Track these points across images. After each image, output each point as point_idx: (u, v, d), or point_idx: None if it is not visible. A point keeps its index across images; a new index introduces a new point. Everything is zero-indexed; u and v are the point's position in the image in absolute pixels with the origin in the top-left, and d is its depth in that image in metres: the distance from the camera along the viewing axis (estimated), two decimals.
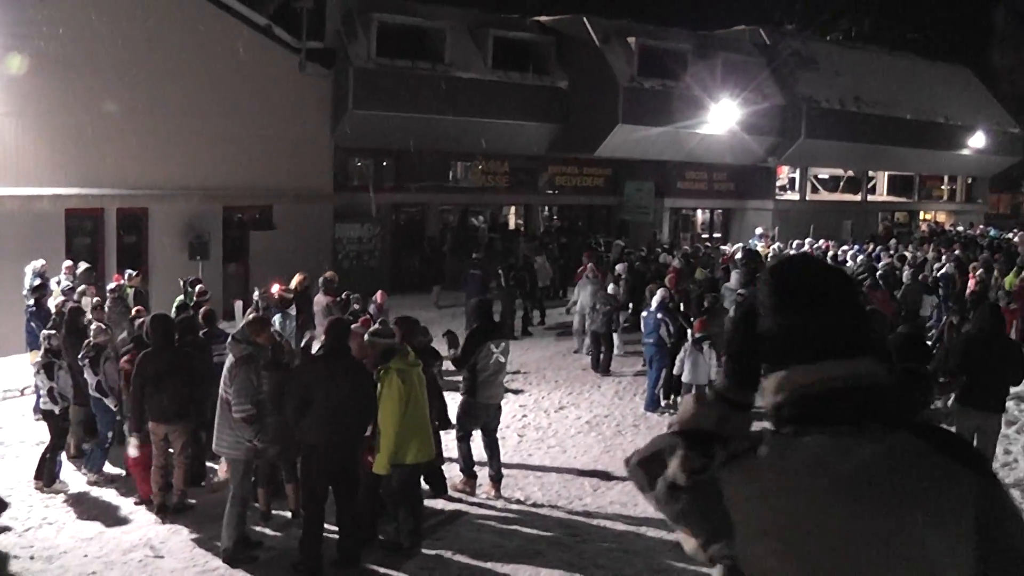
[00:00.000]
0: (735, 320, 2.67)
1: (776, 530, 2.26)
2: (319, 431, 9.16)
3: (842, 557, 2.19)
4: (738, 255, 27.98)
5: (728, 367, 2.62)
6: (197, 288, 17.41)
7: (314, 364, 9.58)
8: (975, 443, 10.87)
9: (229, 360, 9.96)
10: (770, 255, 28.90)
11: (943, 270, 25.04)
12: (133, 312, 15.00)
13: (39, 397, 12.64)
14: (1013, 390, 11.93)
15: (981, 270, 24.33)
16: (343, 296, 18.72)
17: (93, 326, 13.03)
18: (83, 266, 19.03)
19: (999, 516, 2.19)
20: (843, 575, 2.20)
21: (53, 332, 12.88)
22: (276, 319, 16.68)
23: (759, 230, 36.43)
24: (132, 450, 11.10)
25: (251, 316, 11.74)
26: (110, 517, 11.11)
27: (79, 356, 12.36)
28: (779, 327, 2.45)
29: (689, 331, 16.74)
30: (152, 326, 11.21)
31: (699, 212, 41.46)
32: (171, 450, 11.23)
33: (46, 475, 11.99)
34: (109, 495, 11.80)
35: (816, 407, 2.34)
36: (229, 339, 10.34)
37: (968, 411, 11.25)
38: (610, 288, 20.68)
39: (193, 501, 11.31)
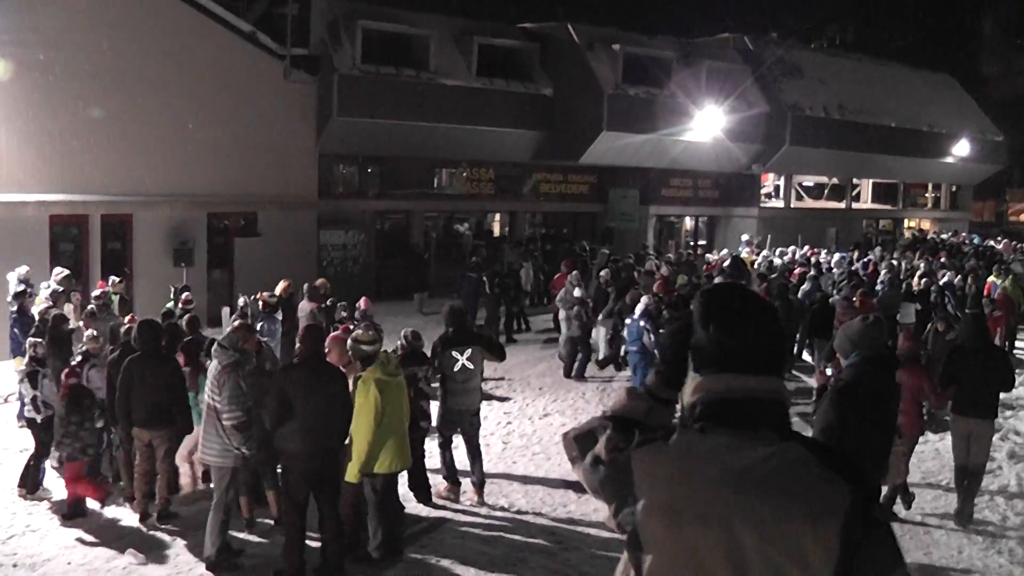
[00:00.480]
0: (672, 331, 3.13)
1: (670, 507, 2.74)
2: (296, 439, 9.14)
3: (722, 536, 2.67)
4: (727, 263, 28.00)
5: (660, 368, 3.13)
6: (183, 296, 17.43)
7: (290, 372, 9.53)
8: (969, 449, 11.39)
9: (214, 367, 9.93)
10: (758, 263, 28.95)
11: (945, 279, 25.09)
12: (125, 321, 14.97)
13: (23, 405, 12.61)
14: (1002, 396, 12.00)
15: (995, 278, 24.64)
16: (328, 303, 18.75)
17: (87, 332, 13.06)
18: (63, 273, 19.00)
19: (867, 524, 2.65)
20: (720, 552, 2.68)
21: (39, 340, 12.86)
22: (261, 325, 16.71)
23: (745, 237, 36.48)
24: (60, 467, 11.07)
25: (237, 323, 11.74)
26: (94, 524, 11.08)
27: (75, 362, 12.40)
28: (705, 340, 2.90)
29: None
30: (139, 332, 11.18)
31: (686, 220, 41.45)
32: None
33: (29, 483, 11.97)
34: (93, 503, 11.75)
35: (721, 411, 2.82)
36: (215, 345, 10.31)
37: (959, 418, 11.58)
38: (576, 291, 20.67)
39: (176, 509, 11.27)
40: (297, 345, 10.05)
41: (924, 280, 24.01)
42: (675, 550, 2.75)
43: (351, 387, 9.65)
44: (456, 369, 11.85)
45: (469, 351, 12.04)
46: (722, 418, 2.82)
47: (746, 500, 2.67)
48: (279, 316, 17.44)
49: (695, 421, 2.86)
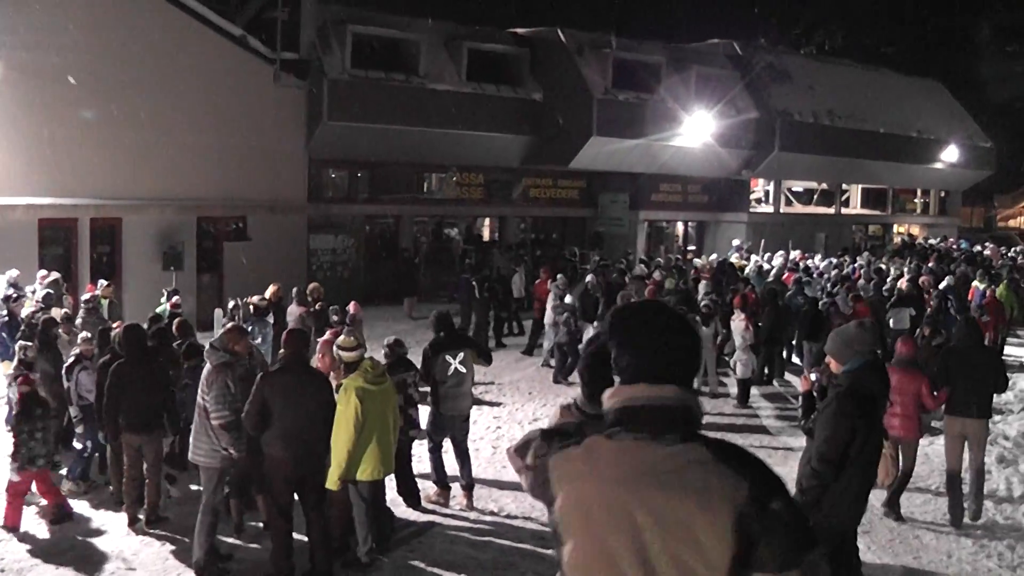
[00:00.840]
0: (589, 353, 3.75)
1: (580, 502, 3.14)
2: (278, 444, 9.11)
3: (625, 527, 3.03)
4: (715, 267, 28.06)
5: (583, 388, 3.81)
6: (172, 299, 17.42)
7: (271, 377, 9.44)
8: (966, 449, 11.59)
9: (207, 368, 9.93)
10: (748, 269, 28.99)
11: (945, 283, 25.19)
12: (114, 326, 14.94)
13: (11, 409, 12.57)
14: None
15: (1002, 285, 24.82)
16: (318, 307, 18.76)
17: (81, 334, 13.04)
18: (52, 276, 18.97)
19: (761, 515, 2.93)
20: (626, 541, 3.03)
21: (29, 344, 12.83)
22: (252, 329, 16.72)
23: (736, 242, 36.56)
24: (13, 475, 11.00)
25: (229, 325, 11.72)
26: (82, 529, 11.04)
27: (66, 365, 12.38)
28: (618, 354, 3.29)
29: None
30: (125, 336, 11.17)
31: (678, 224, 41.46)
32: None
33: None
34: (81, 507, 11.71)
35: (628, 417, 3.17)
36: (207, 347, 10.31)
37: (954, 419, 11.66)
38: (567, 298, 20.70)
39: (166, 513, 11.24)
40: (281, 350, 9.99)
41: (919, 283, 24.12)
42: (587, 541, 3.13)
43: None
44: (449, 373, 11.84)
45: (461, 354, 12.04)
46: (629, 423, 3.16)
47: (645, 494, 3.03)
48: (270, 320, 17.46)
49: (608, 427, 3.21)
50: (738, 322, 18.50)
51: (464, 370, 12.00)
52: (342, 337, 10.08)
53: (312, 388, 9.29)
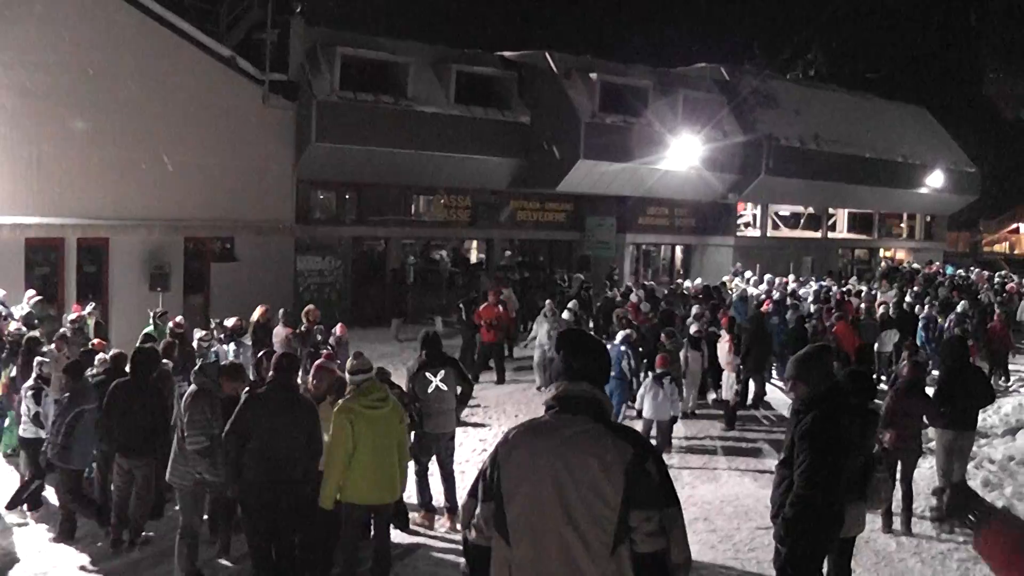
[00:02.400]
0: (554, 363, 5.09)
1: (516, 469, 4.52)
2: (256, 468, 9.03)
3: (549, 479, 4.42)
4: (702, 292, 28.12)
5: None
6: (176, 319, 17.39)
7: (254, 400, 9.32)
8: (954, 459, 12.38)
9: (189, 390, 9.93)
10: (733, 291, 29.12)
11: (926, 308, 25.45)
12: (93, 344, 14.92)
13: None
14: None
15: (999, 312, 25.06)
16: (303, 328, 18.78)
17: (48, 356, 13.02)
18: (36, 297, 18.97)
19: (640, 471, 4.40)
20: (552, 489, 4.41)
21: (45, 360, 12.84)
22: (230, 349, 16.73)
23: (738, 265, 36.96)
24: None
25: (228, 362, 11.66)
26: (65, 551, 10.99)
27: (25, 386, 12.36)
28: (557, 362, 4.83)
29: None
30: (135, 358, 11.12)
31: (662, 248, 41.52)
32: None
33: (32, 500, 12.00)
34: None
35: (560, 402, 4.65)
36: (194, 369, 10.32)
37: (946, 432, 12.33)
38: (565, 314, 20.75)
39: (150, 534, 11.19)
40: (270, 372, 9.89)
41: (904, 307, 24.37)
42: (526, 495, 4.50)
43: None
44: (430, 390, 11.86)
45: (442, 372, 12.07)
46: (560, 407, 4.65)
47: (563, 456, 4.44)
48: (246, 341, 17.44)
49: (547, 410, 4.71)
50: (723, 344, 18.56)
51: (445, 388, 12.02)
52: (351, 361, 9.96)
53: (294, 413, 9.17)
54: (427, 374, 11.93)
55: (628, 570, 4.39)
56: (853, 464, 7.59)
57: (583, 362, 4.70)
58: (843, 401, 7.54)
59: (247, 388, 9.75)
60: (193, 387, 9.96)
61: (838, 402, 7.35)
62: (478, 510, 4.67)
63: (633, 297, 25.12)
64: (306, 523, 9.39)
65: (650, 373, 16.83)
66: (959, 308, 25.11)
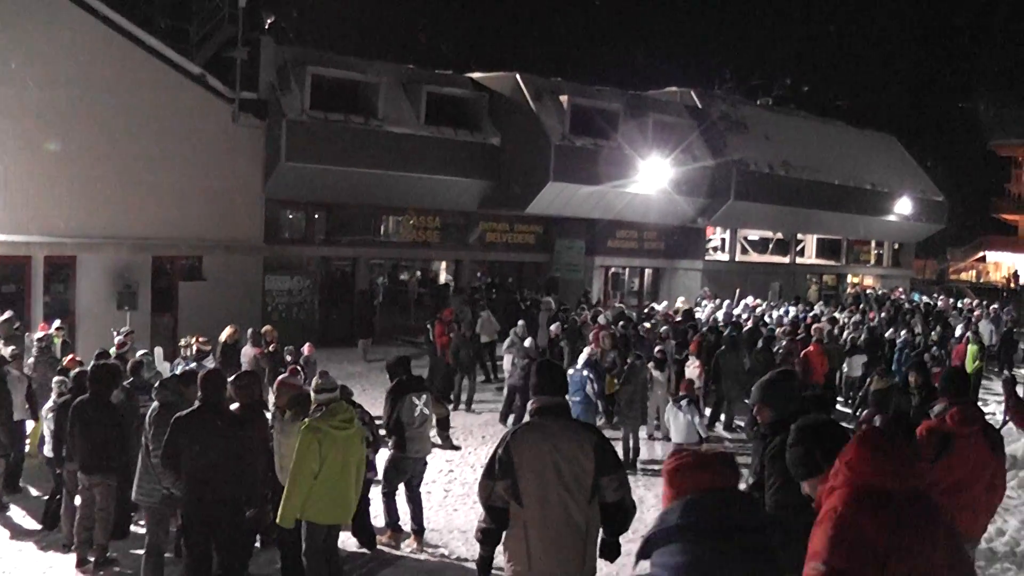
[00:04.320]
0: (537, 365, 7.19)
1: (525, 460, 6.42)
2: (189, 487, 8.99)
3: (548, 461, 6.39)
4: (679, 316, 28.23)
5: (535, 388, 6.87)
6: (117, 340, 17.25)
7: (182, 419, 9.14)
8: None
9: (153, 406, 9.88)
10: (704, 315, 29.28)
11: (892, 332, 25.66)
12: (66, 362, 14.81)
13: None
14: None
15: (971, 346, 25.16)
16: (272, 348, 18.76)
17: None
18: (4, 315, 18.83)
19: (604, 449, 6.55)
20: (550, 468, 6.39)
21: (64, 379, 12.80)
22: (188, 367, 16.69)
23: (705, 290, 37.05)
24: None
25: (183, 369, 11.61)
26: (29, 571, 10.90)
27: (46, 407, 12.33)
28: (534, 381, 6.83)
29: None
30: (94, 373, 11.03)
31: (630, 271, 41.60)
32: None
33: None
34: (28, 548, 11.59)
35: (542, 411, 6.68)
36: (156, 385, 10.26)
37: None
38: (527, 342, 20.74)
39: (114, 555, 11.08)
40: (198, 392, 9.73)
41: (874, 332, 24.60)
42: (533, 473, 6.43)
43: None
44: (416, 414, 11.88)
45: (425, 396, 12.14)
46: (543, 414, 6.70)
47: (556, 443, 6.46)
48: (208, 363, 17.35)
49: (532, 416, 6.81)
50: (692, 368, 18.60)
51: (428, 412, 12.13)
52: (316, 380, 9.91)
53: (222, 431, 9.06)
54: (413, 399, 11.94)
55: (598, 513, 6.56)
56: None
57: (554, 383, 6.90)
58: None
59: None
60: (156, 403, 9.90)
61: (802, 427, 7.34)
62: (496, 486, 6.61)
63: (601, 319, 25.14)
64: (235, 542, 9.29)
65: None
66: (932, 335, 25.33)
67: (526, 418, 7.14)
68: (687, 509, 3.12)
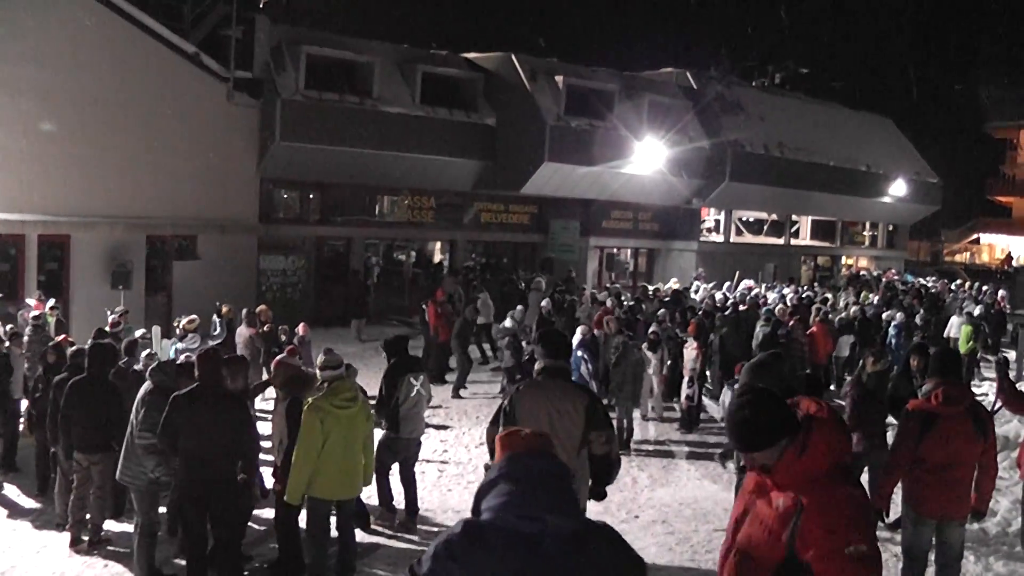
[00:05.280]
0: (540, 334, 8.65)
1: (524, 411, 7.23)
2: (184, 467, 9.05)
3: (543, 418, 7.08)
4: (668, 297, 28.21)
5: (541, 351, 7.79)
6: (111, 319, 17.25)
7: (181, 400, 9.18)
8: None
9: (147, 386, 9.88)
10: (699, 297, 29.24)
11: (888, 314, 25.65)
12: (59, 340, 14.79)
13: None
14: None
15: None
16: (267, 328, 18.77)
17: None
18: None
19: (595, 409, 7.35)
20: (545, 418, 7.09)
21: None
22: (173, 348, 16.75)
23: (700, 271, 37.06)
24: None
25: (183, 351, 11.56)
26: (23, 550, 10.91)
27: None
28: (540, 348, 7.82)
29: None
30: (92, 352, 11.00)
31: (626, 251, 41.57)
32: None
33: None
34: (23, 527, 11.60)
35: (545, 372, 7.54)
36: (152, 367, 10.26)
37: None
38: (507, 321, 20.82)
39: (109, 533, 11.08)
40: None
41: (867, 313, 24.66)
42: (529, 421, 6.85)
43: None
44: (412, 395, 11.92)
45: (422, 376, 12.20)
46: (546, 374, 7.49)
47: (552, 400, 7.24)
48: (195, 344, 17.36)
49: (537, 375, 7.59)
50: (690, 350, 18.61)
51: (424, 392, 12.15)
52: (322, 356, 9.96)
53: (220, 412, 9.11)
54: (411, 379, 11.98)
55: (586, 462, 7.42)
56: None
57: (557, 349, 7.75)
58: None
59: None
60: (149, 384, 9.90)
61: None
62: (498, 432, 6.90)
63: (609, 302, 25.10)
64: (230, 520, 9.32)
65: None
66: (894, 315, 25.35)
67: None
68: (507, 461, 3.70)
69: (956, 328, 25.34)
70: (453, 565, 3.39)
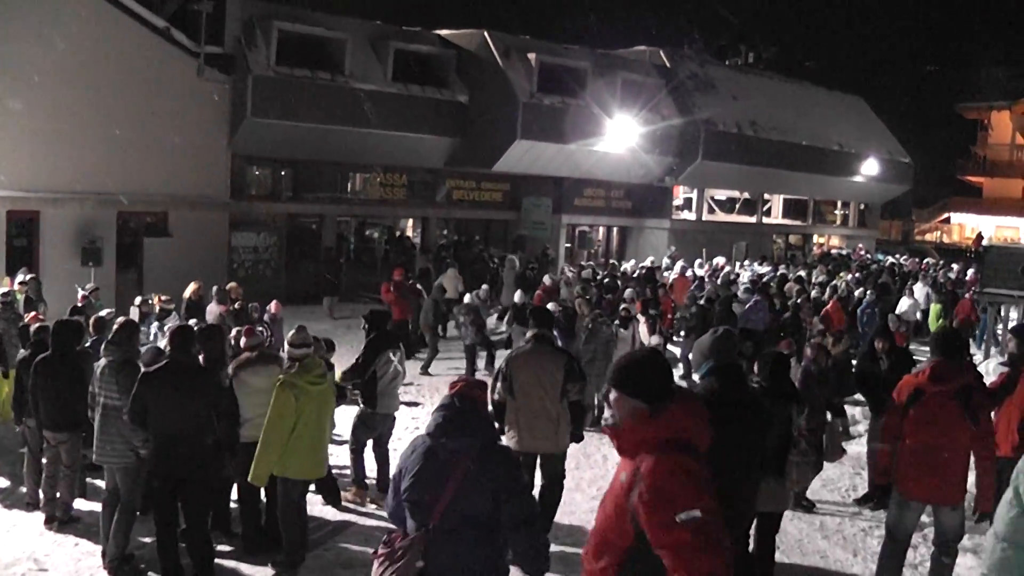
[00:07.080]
0: (532, 310, 12.32)
1: (517, 369, 9.97)
2: (154, 444, 8.97)
3: (532, 373, 9.92)
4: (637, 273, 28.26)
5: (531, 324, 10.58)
6: (80, 295, 17.15)
7: (150, 375, 9.06)
8: None
9: (102, 364, 9.78)
10: (669, 276, 29.32)
11: (860, 292, 25.79)
12: (28, 319, 14.69)
13: None
14: None
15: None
16: (237, 306, 18.67)
17: None
18: None
19: (571, 367, 10.11)
20: (534, 378, 9.88)
21: None
22: (154, 327, 16.60)
23: (672, 249, 37.13)
24: None
25: (121, 320, 11.29)
26: None
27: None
28: (530, 320, 10.72)
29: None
30: (57, 330, 10.89)
31: (598, 229, 41.62)
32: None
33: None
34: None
35: (534, 340, 10.21)
36: (104, 344, 10.12)
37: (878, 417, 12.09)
38: (467, 297, 20.90)
39: (79, 512, 11.03)
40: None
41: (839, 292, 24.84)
42: (523, 380, 9.86)
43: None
44: (391, 371, 11.88)
45: (400, 353, 12.16)
46: (534, 342, 10.18)
47: (539, 361, 9.98)
48: (167, 323, 17.27)
49: (527, 342, 10.33)
50: (642, 326, 18.65)
51: (401, 369, 12.12)
52: (292, 334, 9.91)
53: (190, 388, 9.01)
54: (390, 354, 11.94)
55: (565, 409, 9.88)
56: (768, 442, 7.64)
57: (544, 321, 10.39)
58: (726, 380, 7.47)
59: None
60: (109, 359, 9.78)
61: (720, 380, 7.32)
62: (498, 386, 9.87)
63: (547, 280, 25.12)
64: (202, 498, 9.27)
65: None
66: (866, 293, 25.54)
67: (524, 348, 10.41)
68: (445, 398, 6.10)
69: (905, 306, 25.57)
70: (401, 463, 6.00)
